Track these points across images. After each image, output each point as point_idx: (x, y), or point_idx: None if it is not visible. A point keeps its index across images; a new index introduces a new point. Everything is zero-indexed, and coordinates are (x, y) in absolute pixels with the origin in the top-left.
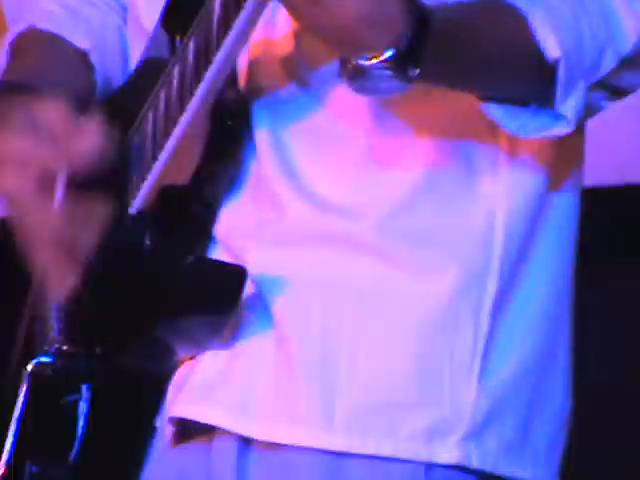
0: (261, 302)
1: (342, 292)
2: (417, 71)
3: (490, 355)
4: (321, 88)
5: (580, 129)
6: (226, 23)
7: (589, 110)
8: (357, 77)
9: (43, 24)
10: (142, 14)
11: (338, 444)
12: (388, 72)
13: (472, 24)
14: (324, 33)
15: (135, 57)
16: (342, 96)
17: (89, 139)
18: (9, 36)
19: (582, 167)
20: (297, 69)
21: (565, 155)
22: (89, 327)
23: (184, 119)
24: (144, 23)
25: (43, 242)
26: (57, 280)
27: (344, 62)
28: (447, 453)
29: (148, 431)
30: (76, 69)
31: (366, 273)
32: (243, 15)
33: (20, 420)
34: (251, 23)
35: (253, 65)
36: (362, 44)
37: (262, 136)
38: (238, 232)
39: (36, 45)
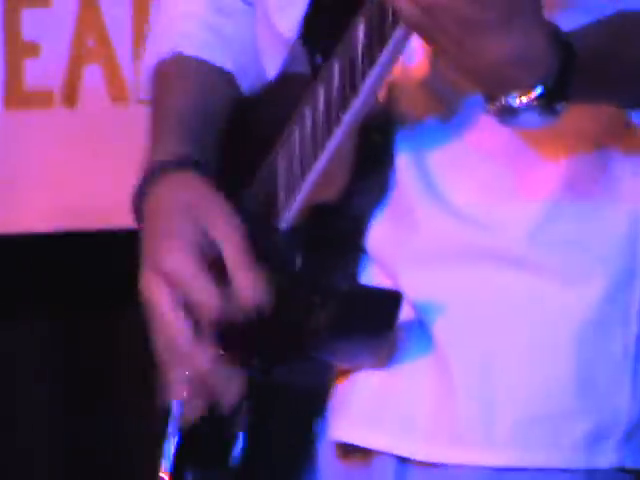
0: (417, 323)
1: (497, 307)
2: (564, 104)
3: None
4: (461, 109)
5: None
6: (371, 55)
7: None
8: (504, 114)
9: (187, 49)
10: (274, 16)
11: (500, 460)
12: (536, 109)
13: (611, 45)
14: (470, 74)
15: (267, 55)
16: (483, 116)
17: (252, 294)
18: (149, 57)
19: None
20: (436, 91)
21: None
22: (248, 344)
23: (331, 144)
24: (277, 25)
25: (179, 367)
26: (175, 388)
27: (490, 99)
28: (607, 457)
29: (303, 445)
30: (224, 91)
31: (519, 286)
32: (388, 49)
33: (181, 431)
34: (395, 55)
35: (392, 86)
36: (510, 83)
37: (403, 153)
38: (386, 246)
39: (180, 75)
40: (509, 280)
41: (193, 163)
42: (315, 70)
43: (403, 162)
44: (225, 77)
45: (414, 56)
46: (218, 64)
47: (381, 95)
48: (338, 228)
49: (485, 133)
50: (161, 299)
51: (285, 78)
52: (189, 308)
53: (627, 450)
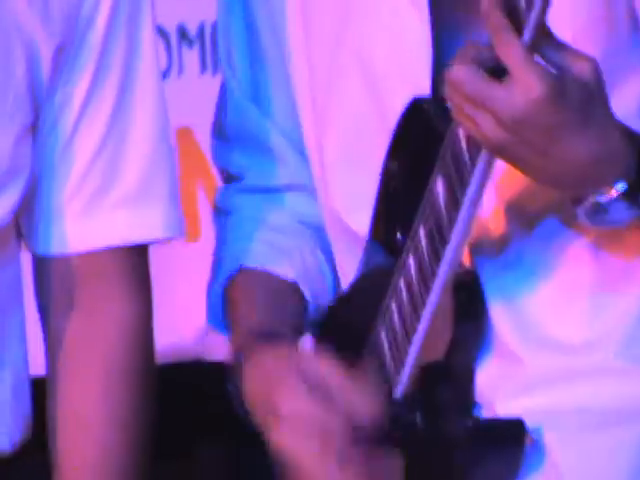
0: (540, 451)
1: (604, 415)
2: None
3: None
4: (543, 246)
5: None
6: (455, 200)
7: None
8: (594, 213)
9: (250, 262)
10: (346, 219)
11: None
12: (623, 203)
13: None
14: (557, 180)
15: (342, 255)
16: (565, 238)
17: (366, 398)
18: (219, 274)
19: None
20: (515, 236)
21: None
22: None
23: (432, 299)
24: (350, 225)
25: None
26: None
27: (577, 201)
28: None
29: None
30: (290, 299)
31: (624, 396)
32: (471, 190)
33: None
34: (479, 196)
35: (472, 244)
36: (594, 182)
37: (495, 302)
38: (492, 389)
39: (247, 283)
40: (607, 390)
41: (276, 336)
42: (397, 248)
43: (497, 310)
44: (288, 284)
45: (486, 208)
46: (281, 274)
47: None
48: (448, 384)
49: (571, 264)
50: (295, 446)
51: (366, 274)
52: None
53: None
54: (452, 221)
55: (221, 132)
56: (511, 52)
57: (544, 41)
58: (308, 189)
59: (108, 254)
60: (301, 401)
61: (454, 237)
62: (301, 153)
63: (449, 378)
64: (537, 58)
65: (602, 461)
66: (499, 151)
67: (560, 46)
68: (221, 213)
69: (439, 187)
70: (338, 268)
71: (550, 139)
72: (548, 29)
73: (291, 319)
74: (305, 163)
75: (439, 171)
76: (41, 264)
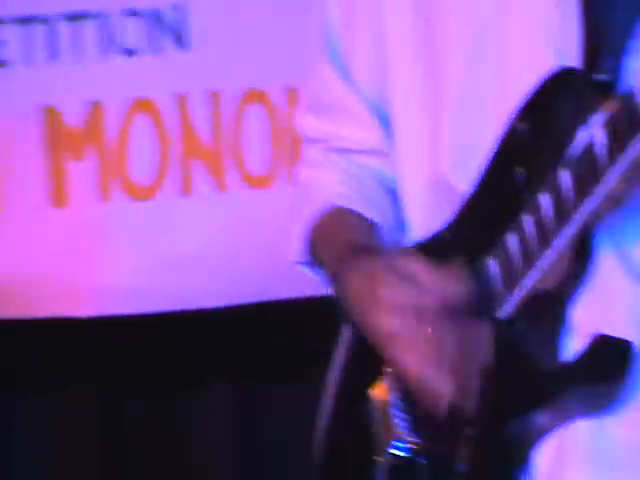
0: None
1: None
2: None
3: None
4: None
5: None
6: (612, 149)
7: None
8: None
9: (340, 202)
10: (449, 174)
11: None
12: None
13: None
14: None
15: (435, 208)
16: None
17: (451, 284)
18: (306, 217)
19: None
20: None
21: None
22: (457, 424)
23: (567, 231)
24: (451, 181)
25: (428, 363)
26: (437, 392)
27: None
28: None
29: None
30: (377, 234)
31: None
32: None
33: None
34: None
35: None
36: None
37: (605, 245)
38: (586, 317)
39: (341, 216)
40: None
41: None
42: (516, 187)
43: (605, 252)
44: (373, 225)
45: None
46: (370, 217)
47: None
48: (552, 310)
49: None
50: (396, 325)
51: (458, 223)
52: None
53: None
54: (606, 166)
55: (312, 106)
56: None
57: None
58: (386, 155)
59: None
60: (397, 289)
61: (609, 178)
62: (385, 124)
63: (553, 307)
64: None
65: None
66: None
67: None
68: (310, 165)
69: (597, 135)
70: (422, 222)
71: None
72: None
73: (380, 243)
74: (386, 133)
75: (599, 124)
76: None
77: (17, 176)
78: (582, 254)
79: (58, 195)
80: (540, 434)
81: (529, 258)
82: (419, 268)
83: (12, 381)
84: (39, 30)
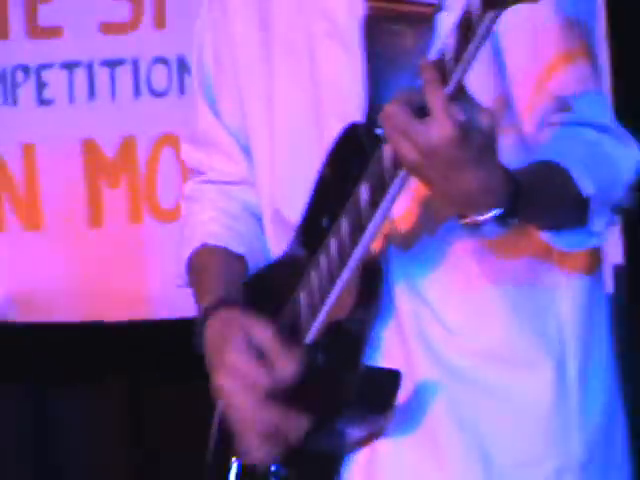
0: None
1: (474, 390)
2: (516, 220)
3: (582, 417)
4: (443, 234)
5: None
6: (375, 202)
7: (611, 225)
8: (472, 227)
9: (211, 241)
10: (282, 209)
11: None
12: (495, 224)
13: (540, 184)
14: (450, 200)
15: (274, 240)
16: (458, 239)
17: (292, 364)
18: (184, 252)
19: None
20: (419, 234)
21: (596, 265)
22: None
23: (345, 272)
24: (284, 214)
25: (252, 430)
26: (258, 453)
27: (462, 217)
28: None
29: None
30: (239, 269)
31: (493, 375)
32: (390, 193)
33: None
34: (394, 199)
35: (384, 236)
36: (478, 207)
37: (398, 278)
38: (390, 346)
39: (211, 255)
40: (488, 370)
41: (233, 302)
42: (321, 233)
43: (400, 290)
44: (239, 257)
45: (398, 211)
46: (234, 250)
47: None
48: (350, 335)
49: (462, 260)
50: (230, 388)
51: (288, 256)
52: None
53: (583, 477)
54: (370, 217)
55: (192, 138)
56: (435, 99)
57: (461, 95)
58: (252, 184)
59: None
60: (240, 356)
61: (370, 227)
62: (248, 154)
63: (349, 333)
64: (454, 106)
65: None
66: (413, 170)
67: (471, 100)
68: (189, 200)
69: (363, 191)
70: (271, 249)
71: (452, 169)
72: (464, 86)
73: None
74: (250, 163)
75: (366, 179)
76: None
77: (61, 200)
78: (369, 288)
79: (96, 217)
80: (343, 450)
81: (323, 292)
82: (267, 339)
83: (54, 374)
84: (80, 73)
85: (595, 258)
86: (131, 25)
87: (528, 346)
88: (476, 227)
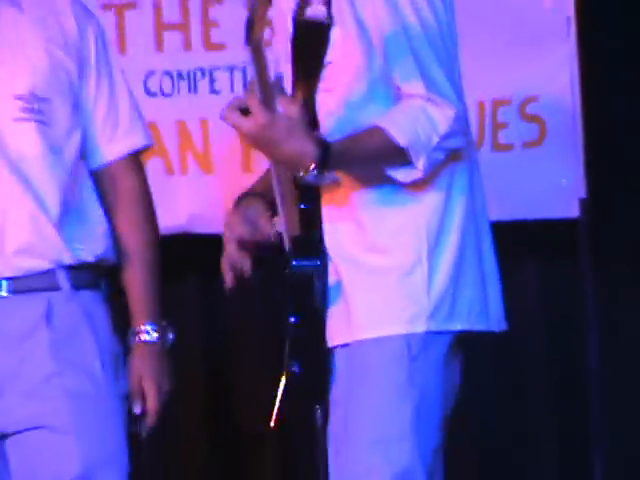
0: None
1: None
2: (332, 173)
3: (431, 277)
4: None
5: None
6: None
7: (436, 162)
8: (303, 179)
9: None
10: None
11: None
12: (316, 176)
13: (356, 143)
14: (282, 164)
15: None
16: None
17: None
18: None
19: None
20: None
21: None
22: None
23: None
24: None
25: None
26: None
27: (294, 173)
28: (421, 326)
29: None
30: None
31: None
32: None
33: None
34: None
35: None
36: (299, 167)
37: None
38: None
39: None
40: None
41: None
42: None
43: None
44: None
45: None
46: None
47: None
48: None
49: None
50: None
51: None
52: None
53: (433, 321)
54: None
55: None
56: (252, 102)
57: (270, 95)
58: None
59: (126, 158)
60: (238, 228)
61: None
62: None
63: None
64: (263, 106)
65: None
66: (253, 146)
67: (280, 97)
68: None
69: None
70: None
71: (271, 144)
72: (273, 90)
73: None
74: None
75: None
76: (98, 174)
77: (225, 152)
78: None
79: (247, 165)
80: None
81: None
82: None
83: None
84: (237, 74)
85: (441, 190)
86: None
87: (394, 244)
88: (305, 179)
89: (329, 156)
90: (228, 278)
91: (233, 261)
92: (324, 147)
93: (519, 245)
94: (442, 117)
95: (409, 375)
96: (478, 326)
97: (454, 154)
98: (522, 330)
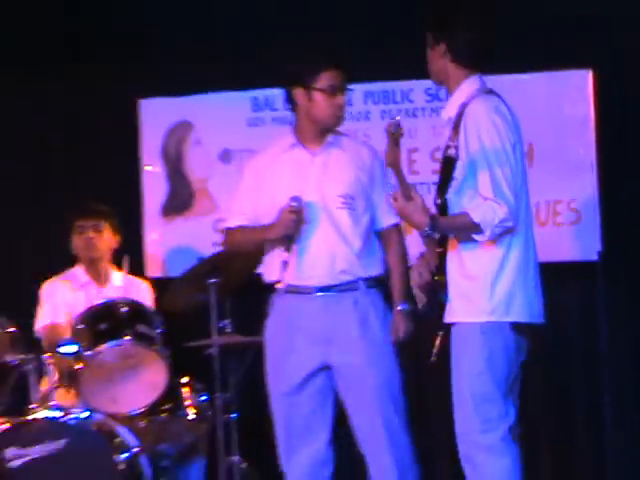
0: None
1: None
2: (436, 234)
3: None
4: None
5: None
6: None
7: (495, 234)
8: (422, 235)
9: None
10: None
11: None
12: (429, 233)
13: (449, 219)
14: (412, 225)
15: None
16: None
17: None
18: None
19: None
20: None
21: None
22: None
23: None
24: None
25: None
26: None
27: (419, 230)
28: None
29: None
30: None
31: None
32: None
33: None
34: None
35: None
36: (421, 227)
37: None
38: None
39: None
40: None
41: None
42: None
43: None
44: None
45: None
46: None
47: None
48: None
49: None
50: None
51: None
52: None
53: (494, 315)
54: None
55: None
56: (399, 196)
57: (407, 190)
58: None
59: (391, 226)
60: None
61: None
62: None
63: None
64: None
65: None
66: (399, 215)
67: (412, 191)
68: None
69: None
70: None
71: (408, 215)
72: (408, 188)
73: None
74: None
75: None
76: (379, 232)
77: None
78: None
79: None
80: None
81: None
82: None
83: None
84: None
85: (502, 246)
86: None
87: (477, 273)
88: (423, 236)
89: (436, 224)
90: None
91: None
92: (434, 219)
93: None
94: (500, 211)
95: (482, 345)
96: (524, 319)
97: (509, 230)
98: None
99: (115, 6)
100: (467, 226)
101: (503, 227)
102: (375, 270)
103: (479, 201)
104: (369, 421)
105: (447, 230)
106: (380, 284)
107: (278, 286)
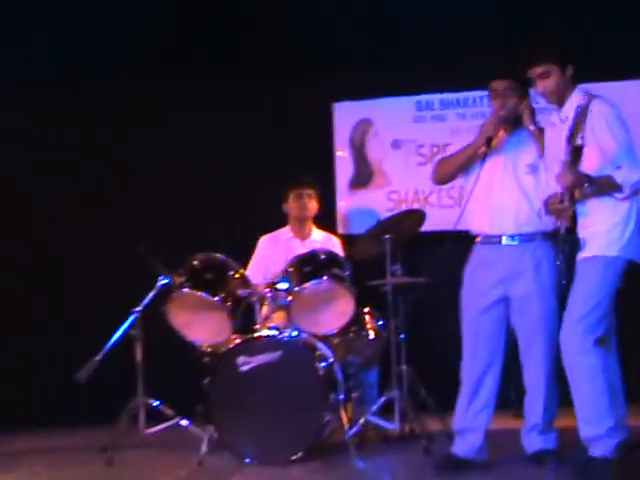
0: None
1: None
2: (590, 189)
3: None
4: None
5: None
6: None
7: (632, 192)
8: (583, 191)
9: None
10: None
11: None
12: (587, 189)
13: (598, 179)
14: (574, 184)
15: None
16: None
17: None
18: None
19: None
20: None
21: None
22: None
23: None
24: None
25: None
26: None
27: (581, 188)
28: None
29: None
30: None
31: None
32: None
33: None
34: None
35: None
36: (582, 184)
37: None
38: None
39: None
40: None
41: None
42: None
43: None
44: None
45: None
46: None
47: None
48: None
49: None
50: None
51: None
52: None
53: (612, 251)
54: None
55: None
56: (566, 164)
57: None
58: None
59: None
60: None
61: None
62: None
63: None
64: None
65: None
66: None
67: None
68: None
69: None
70: None
71: (574, 179)
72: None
73: None
74: None
75: None
76: None
77: None
78: None
79: None
80: None
81: None
82: None
83: None
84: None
85: (632, 200)
86: None
87: (609, 219)
88: (584, 191)
89: (592, 182)
90: None
91: None
92: (590, 178)
93: None
94: (636, 175)
95: (604, 273)
96: (636, 258)
97: (638, 191)
98: None
99: (327, 28)
100: (611, 185)
101: (635, 188)
102: (550, 226)
103: (619, 171)
104: (530, 337)
105: (598, 186)
106: (553, 237)
107: (476, 240)
